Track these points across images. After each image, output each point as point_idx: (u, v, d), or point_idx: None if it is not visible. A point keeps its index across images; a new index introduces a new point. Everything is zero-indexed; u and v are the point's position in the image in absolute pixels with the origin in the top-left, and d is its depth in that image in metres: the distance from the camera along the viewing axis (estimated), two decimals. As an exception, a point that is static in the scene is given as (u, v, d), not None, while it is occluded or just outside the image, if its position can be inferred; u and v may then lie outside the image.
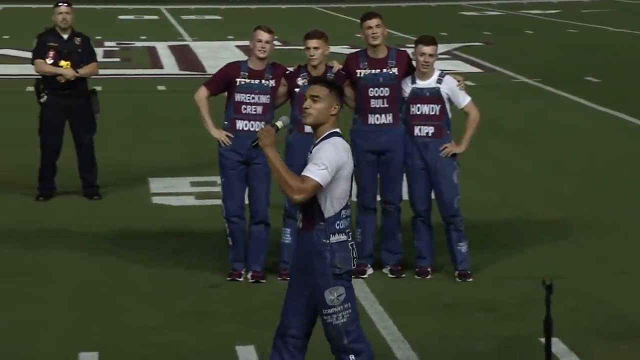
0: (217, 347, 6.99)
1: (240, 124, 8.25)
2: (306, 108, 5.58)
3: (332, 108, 5.59)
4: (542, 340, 5.82)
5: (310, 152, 5.59)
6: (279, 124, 5.67)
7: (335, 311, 5.55)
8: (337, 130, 5.63)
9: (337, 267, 5.52)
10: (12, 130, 14.25)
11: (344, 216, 5.56)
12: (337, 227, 5.53)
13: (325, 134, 5.59)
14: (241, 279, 8.21)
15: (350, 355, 5.59)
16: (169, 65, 22.50)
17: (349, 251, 5.56)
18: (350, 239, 5.60)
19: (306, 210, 5.55)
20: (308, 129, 8.30)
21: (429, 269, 8.43)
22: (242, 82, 8.25)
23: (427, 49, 8.22)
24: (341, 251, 5.54)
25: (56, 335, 7.17)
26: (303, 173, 5.50)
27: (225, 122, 8.32)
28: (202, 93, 8.35)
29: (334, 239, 5.52)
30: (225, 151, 8.27)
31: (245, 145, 8.18)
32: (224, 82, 8.33)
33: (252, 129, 8.20)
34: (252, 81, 8.27)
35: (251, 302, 7.87)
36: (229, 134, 8.25)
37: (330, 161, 5.47)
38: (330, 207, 5.53)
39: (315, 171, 5.46)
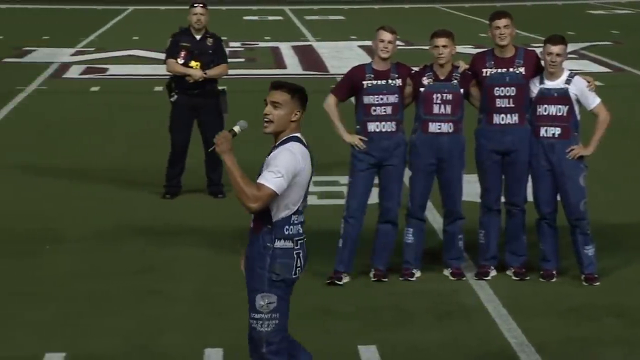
0: (339, 346, 7.00)
1: (371, 126, 8.24)
2: (266, 114, 5.44)
3: (293, 114, 5.49)
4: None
5: (267, 157, 5.46)
6: (237, 128, 5.52)
7: (261, 317, 5.47)
8: (297, 134, 5.50)
9: (275, 273, 5.43)
10: (141, 130, 14.57)
11: (295, 222, 5.46)
12: (285, 233, 5.43)
13: (283, 139, 5.48)
14: (341, 283, 8.17)
15: None
16: (292, 65, 22.67)
17: (292, 259, 5.45)
18: (299, 247, 5.48)
19: (257, 212, 5.43)
20: (433, 128, 8.28)
21: (554, 272, 8.29)
22: (369, 84, 8.25)
23: (555, 49, 8.08)
24: (284, 257, 5.43)
25: (182, 331, 7.29)
26: (259, 180, 5.39)
27: (357, 126, 8.32)
28: (331, 100, 8.37)
29: (278, 244, 5.43)
30: (359, 153, 8.27)
31: (379, 147, 8.19)
32: (351, 86, 8.34)
33: (383, 130, 8.20)
34: (379, 82, 8.26)
35: (373, 301, 7.87)
36: (363, 138, 8.25)
37: (287, 168, 5.38)
38: (280, 211, 5.43)
39: (271, 179, 5.37)
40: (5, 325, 7.34)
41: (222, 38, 11.65)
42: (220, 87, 11.14)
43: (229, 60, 11.51)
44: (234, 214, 10.41)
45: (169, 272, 8.59)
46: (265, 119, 5.45)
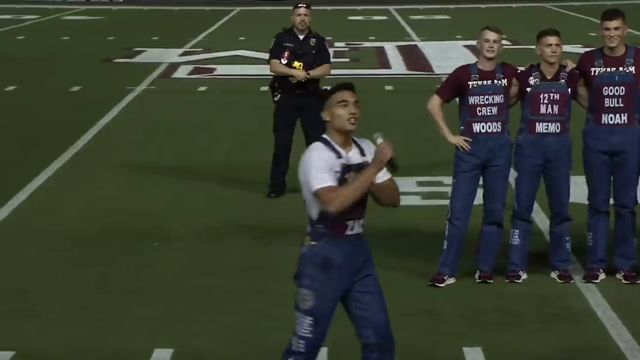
0: (443, 346, 6.96)
1: (477, 127, 8.18)
2: (355, 113, 5.46)
3: None
4: None
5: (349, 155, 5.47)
6: (379, 140, 5.50)
7: None
8: None
9: None
10: (246, 130, 14.71)
11: None
12: None
13: (355, 137, 5.56)
14: (442, 285, 8.11)
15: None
16: (397, 65, 22.63)
17: None
18: None
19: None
20: (539, 129, 8.18)
21: (664, 276, 8.11)
22: (475, 85, 8.18)
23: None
24: None
25: (286, 329, 7.31)
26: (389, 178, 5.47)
27: (462, 127, 8.27)
28: (435, 101, 8.32)
29: None
30: (463, 154, 8.21)
31: (484, 148, 8.13)
32: (456, 87, 8.28)
33: (489, 131, 8.13)
34: (484, 82, 8.18)
35: (478, 302, 7.80)
36: (467, 138, 8.19)
37: None
38: None
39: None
40: (115, 321, 7.49)
41: (327, 38, 11.69)
42: (323, 87, 11.18)
43: (334, 60, 11.55)
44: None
45: (274, 270, 8.65)
46: (354, 118, 5.48)
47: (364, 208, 5.54)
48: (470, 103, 8.18)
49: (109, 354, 6.92)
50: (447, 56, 23.18)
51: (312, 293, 5.44)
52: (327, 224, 5.42)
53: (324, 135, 5.53)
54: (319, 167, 5.36)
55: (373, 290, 5.60)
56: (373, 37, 28.25)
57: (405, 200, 10.80)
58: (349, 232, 5.49)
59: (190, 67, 21.95)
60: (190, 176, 11.91)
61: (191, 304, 7.85)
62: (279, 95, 11.02)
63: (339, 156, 5.44)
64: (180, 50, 25.02)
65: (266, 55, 11.60)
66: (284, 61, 10.96)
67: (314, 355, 5.55)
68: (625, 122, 8.10)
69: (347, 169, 5.43)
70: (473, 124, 8.18)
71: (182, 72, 21.29)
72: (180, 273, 8.62)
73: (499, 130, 8.19)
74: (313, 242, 5.43)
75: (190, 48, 25.69)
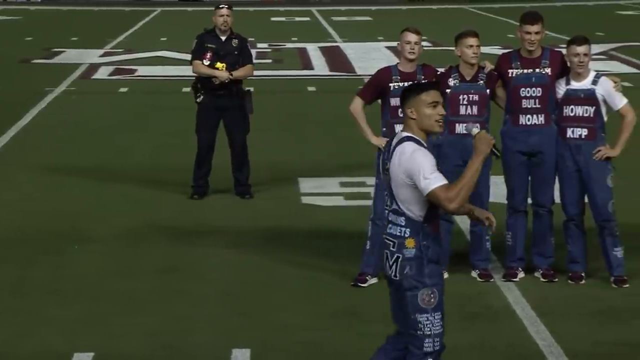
0: (367, 348, 6.97)
1: (399, 128, 8.19)
2: (443, 115, 5.52)
3: None
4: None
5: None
6: (475, 130, 5.59)
7: None
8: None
9: None
10: (168, 131, 14.61)
11: None
12: None
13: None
14: (365, 285, 8.15)
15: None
16: (319, 66, 22.67)
17: None
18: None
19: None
20: (459, 129, 8.27)
21: (582, 274, 8.25)
22: (396, 86, 8.24)
23: (581, 49, 8.03)
24: None
25: (208, 331, 7.31)
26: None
27: (384, 129, 8.32)
28: (357, 103, 8.36)
29: None
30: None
31: None
32: (377, 89, 8.33)
33: None
34: (405, 84, 8.24)
35: (400, 303, 7.84)
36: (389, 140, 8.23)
37: None
38: None
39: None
40: (33, 324, 7.38)
41: (249, 39, 11.66)
42: (246, 88, 11.17)
43: (256, 61, 11.54)
44: (260, 215, 10.44)
45: (195, 272, 8.61)
46: (441, 120, 5.51)
47: None
48: (392, 104, 8.24)
49: (27, 357, 6.82)
50: (369, 57, 23.29)
51: (434, 290, 5.49)
52: (430, 222, 5.47)
53: (408, 134, 5.50)
54: (427, 167, 5.37)
55: None
56: (295, 38, 28.27)
57: (328, 201, 10.92)
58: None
59: (111, 68, 21.73)
60: (111, 177, 11.79)
61: (112, 306, 7.78)
62: (201, 97, 10.97)
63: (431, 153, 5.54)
64: (101, 51, 24.75)
65: (188, 56, 11.54)
66: (206, 62, 10.91)
67: None
68: (542, 122, 8.23)
69: None
70: (395, 126, 8.24)
71: (102, 73, 21.07)
72: (101, 274, 8.53)
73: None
74: (424, 242, 5.45)
75: (111, 49, 25.42)
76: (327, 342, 7.08)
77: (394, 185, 5.48)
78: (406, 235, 5.45)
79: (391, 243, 5.49)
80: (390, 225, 5.52)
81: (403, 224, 5.46)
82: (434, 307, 5.48)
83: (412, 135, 5.49)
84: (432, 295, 5.47)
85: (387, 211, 5.58)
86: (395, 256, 5.47)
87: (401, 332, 5.66)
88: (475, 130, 5.55)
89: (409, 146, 5.43)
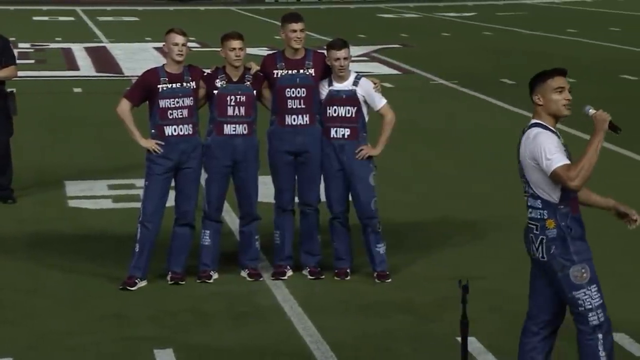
0: (135, 350, 6.93)
1: (168, 130, 8.19)
2: (570, 99, 5.66)
3: None
4: (459, 339, 5.89)
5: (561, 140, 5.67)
6: (592, 111, 5.68)
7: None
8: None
9: None
10: None
11: None
12: None
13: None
14: (134, 288, 8.11)
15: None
16: (85, 66, 22.27)
17: None
18: None
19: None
20: (227, 130, 8.32)
21: (347, 270, 8.47)
22: (164, 88, 8.19)
23: (341, 53, 8.25)
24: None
25: (3, 342, 7.04)
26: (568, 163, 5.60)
27: (153, 130, 8.25)
28: (125, 105, 8.26)
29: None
30: (156, 157, 8.20)
31: (175, 151, 8.17)
32: (145, 91, 8.26)
33: (181, 133, 8.17)
34: (174, 85, 8.22)
35: (170, 304, 7.83)
36: (159, 142, 8.19)
37: None
38: None
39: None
40: None
41: (10, 39, 11.31)
42: (8, 89, 10.82)
43: (18, 61, 11.21)
44: (25, 219, 10.15)
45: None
46: (570, 104, 5.65)
47: None
48: (160, 106, 8.19)
49: None
50: (137, 58, 23.06)
51: (584, 265, 5.58)
52: (567, 202, 5.59)
53: (536, 121, 5.65)
54: (551, 148, 5.54)
55: None
56: (60, 38, 27.62)
57: (96, 204, 10.74)
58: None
59: None
60: None
61: None
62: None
63: (558, 137, 5.63)
64: None
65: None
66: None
67: None
68: (307, 122, 8.39)
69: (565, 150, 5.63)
70: (165, 127, 8.20)
71: None
72: None
73: (190, 133, 8.26)
74: (563, 224, 5.58)
75: None
76: (94, 346, 6.97)
77: (526, 171, 5.66)
78: (545, 217, 5.61)
79: (534, 226, 5.64)
80: (530, 210, 5.67)
81: (540, 206, 5.62)
82: (589, 281, 5.59)
83: (539, 122, 5.65)
84: (583, 271, 5.59)
85: (525, 197, 5.70)
86: (539, 238, 5.62)
87: (533, 315, 5.75)
88: (592, 111, 5.68)
89: (532, 131, 5.63)
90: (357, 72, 8.53)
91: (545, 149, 5.58)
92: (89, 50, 25.07)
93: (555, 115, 5.69)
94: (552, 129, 5.69)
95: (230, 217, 9.63)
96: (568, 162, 5.59)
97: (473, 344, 6.77)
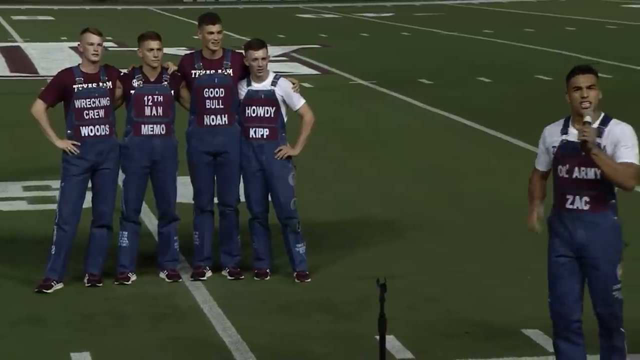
0: (52, 354, 6.84)
1: (84, 130, 8.09)
2: (586, 97, 5.72)
3: (600, 93, 5.84)
4: (378, 338, 5.92)
5: (602, 137, 5.71)
6: (588, 118, 5.74)
7: (621, 287, 5.78)
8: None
9: (625, 243, 5.84)
10: None
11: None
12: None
13: (602, 116, 5.79)
14: (50, 291, 8.00)
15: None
16: (-1, 66, 21.92)
17: None
18: None
19: (600, 191, 5.71)
20: (145, 131, 8.26)
21: (267, 271, 8.46)
22: (80, 88, 8.10)
23: (259, 53, 8.24)
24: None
25: None
26: (625, 160, 5.66)
27: (69, 131, 8.15)
28: (40, 106, 8.14)
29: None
30: (72, 158, 8.09)
31: (92, 151, 8.08)
32: (60, 91, 8.15)
33: (97, 134, 8.09)
34: (89, 85, 8.12)
35: (87, 307, 7.74)
36: (76, 142, 8.08)
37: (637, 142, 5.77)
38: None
39: (634, 156, 5.71)
40: None
41: None
42: None
43: None
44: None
45: None
46: (587, 102, 5.72)
47: None
48: (76, 107, 8.10)
49: None
50: (52, 58, 22.77)
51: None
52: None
53: (567, 116, 5.82)
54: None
55: None
56: (-27, 38, 27.14)
57: (10, 206, 10.56)
58: None
59: None
60: None
61: None
62: None
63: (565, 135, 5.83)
64: None
65: None
66: None
67: None
68: (226, 123, 8.36)
69: None
70: (81, 128, 8.10)
71: None
72: None
73: (107, 133, 8.17)
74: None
75: None
76: (10, 351, 6.86)
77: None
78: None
79: None
80: None
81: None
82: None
83: (567, 117, 5.82)
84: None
85: None
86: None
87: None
88: (588, 120, 5.76)
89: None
90: (275, 72, 8.53)
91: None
92: (3, 49, 24.68)
93: (577, 113, 5.83)
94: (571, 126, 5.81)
95: (149, 218, 9.55)
96: (539, 168, 5.95)
97: (391, 342, 6.82)
